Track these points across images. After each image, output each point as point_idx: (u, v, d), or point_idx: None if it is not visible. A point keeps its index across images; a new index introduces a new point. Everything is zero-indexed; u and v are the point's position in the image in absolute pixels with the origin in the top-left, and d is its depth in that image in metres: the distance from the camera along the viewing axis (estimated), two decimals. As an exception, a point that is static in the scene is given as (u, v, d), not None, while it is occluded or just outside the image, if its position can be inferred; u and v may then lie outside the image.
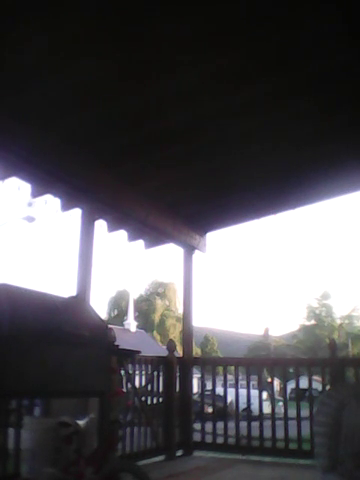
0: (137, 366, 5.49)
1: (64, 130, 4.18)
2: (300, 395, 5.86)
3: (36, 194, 4.39)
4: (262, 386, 6.28)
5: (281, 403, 6.41)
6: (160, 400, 5.89)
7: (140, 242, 5.96)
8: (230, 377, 6.80)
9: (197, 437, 6.23)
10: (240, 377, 6.40)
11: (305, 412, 5.58)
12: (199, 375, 6.62)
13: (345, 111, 4.39)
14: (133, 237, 5.76)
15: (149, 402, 5.73)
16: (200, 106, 4.12)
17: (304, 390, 6.11)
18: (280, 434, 5.73)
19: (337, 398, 3.29)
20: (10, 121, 3.83)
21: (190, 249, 6.56)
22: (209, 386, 6.75)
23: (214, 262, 77.71)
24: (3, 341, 2.72)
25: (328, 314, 48.10)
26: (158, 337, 47.26)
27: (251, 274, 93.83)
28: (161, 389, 5.85)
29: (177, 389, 6.07)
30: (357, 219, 76.95)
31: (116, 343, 3.84)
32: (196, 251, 6.62)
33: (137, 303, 47.28)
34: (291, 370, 6.24)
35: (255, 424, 5.87)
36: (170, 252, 25.78)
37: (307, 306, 48.95)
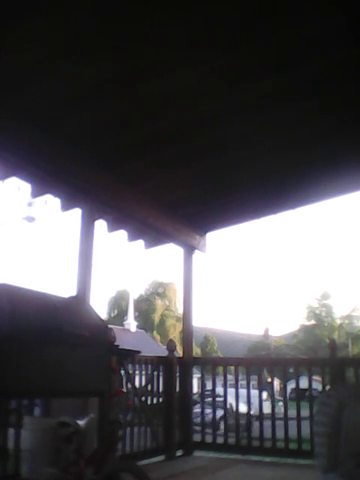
0: (137, 366, 5.49)
1: (64, 130, 4.18)
2: (300, 395, 5.86)
3: (36, 194, 4.39)
4: (262, 386, 6.28)
5: (281, 403, 6.41)
6: (160, 400, 5.89)
7: (140, 242, 5.96)
8: (230, 377, 6.80)
9: (197, 437, 6.24)
10: (240, 377, 6.41)
11: (305, 412, 5.58)
12: (199, 375, 6.63)
13: (345, 111, 4.39)
14: (133, 237, 5.76)
15: (149, 402, 5.73)
16: (199, 106, 4.12)
17: (304, 390, 6.11)
18: (280, 434, 5.73)
19: (337, 398, 3.29)
20: (10, 121, 3.83)
21: (190, 249, 6.56)
22: (209, 386, 6.75)
23: (214, 262, 77.66)
24: (3, 341, 2.72)
25: (328, 314, 48.06)
26: (158, 337, 47.24)
27: (251, 274, 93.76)
28: (161, 389, 5.85)
29: (177, 389, 6.07)
30: (357, 219, 76.88)
31: (116, 343, 3.84)
32: (196, 251, 6.62)
33: (137, 303, 47.24)
34: (291, 370, 6.23)
35: (255, 424, 5.87)
36: (170, 252, 25.74)
37: (307, 306, 48.91)
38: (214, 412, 6.31)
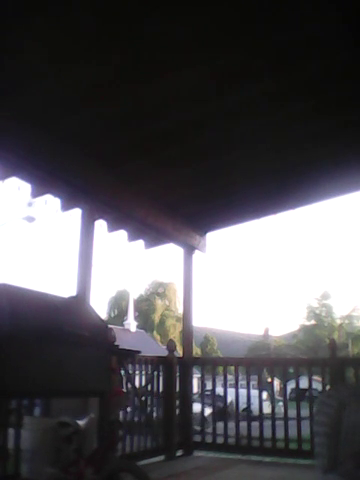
0: (137, 366, 5.49)
1: (64, 130, 4.19)
2: (300, 395, 5.86)
3: (36, 194, 4.39)
4: (262, 386, 6.28)
5: (281, 403, 6.41)
6: (160, 400, 5.89)
7: (140, 242, 5.96)
8: (230, 377, 6.81)
9: (197, 437, 6.24)
10: (240, 377, 6.41)
11: (305, 412, 5.58)
12: (199, 375, 6.63)
13: (345, 111, 4.39)
14: (133, 237, 5.76)
15: (149, 402, 5.73)
16: (200, 106, 4.12)
17: (304, 390, 6.11)
18: (280, 434, 5.73)
19: (337, 398, 3.29)
20: (10, 121, 3.84)
21: (190, 249, 6.56)
22: (209, 386, 6.75)
23: (214, 262, 77.54)
24: (3, 341, 2.72)
25: (328, 314, 48.05)
26: (158, 337, 47.23)
27: (251, 274, 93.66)
28: (161, 389, 5.85)
29: (177, 389, 6.07)
30: (357, 219, 76.82)
31: (116, 343, 3.84)
32: (196, 251, 6.62)
33: (137, 303, 47.22)
34: (291, 370, 6.24)
35: (255, 424, 5.87)
36: (170, 252, 25.71)
37: (307, 306, 48.90)
38: (214, 412, 6.32)
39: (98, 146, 4.51)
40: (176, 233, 6.14)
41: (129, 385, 5.32)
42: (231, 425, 6.03)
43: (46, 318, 3.05)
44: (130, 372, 5.35)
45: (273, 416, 5.87)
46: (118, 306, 50.25)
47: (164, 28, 3.24)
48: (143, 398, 5.63)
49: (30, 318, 2.91)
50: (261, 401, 5.97)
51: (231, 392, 6.21)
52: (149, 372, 5.70)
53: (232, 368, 6.52)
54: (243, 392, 6.00)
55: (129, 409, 5.36)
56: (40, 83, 3.61)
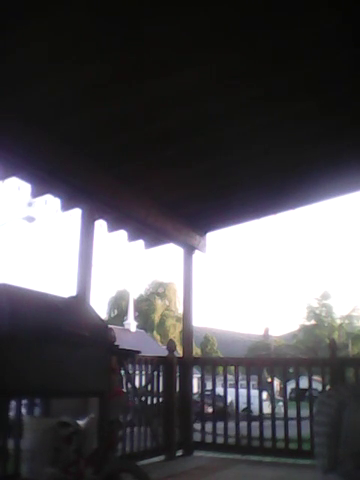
0: (137, 366, 5.49)
1: (64, 130, 4.18)
2: (300, 395, 5.86)
3: (36, 194, 4.39)
4: (262, 386, 6.28)
5: (281, 403, 6.41)
6: (160, 400, 5.89)
7: (140, 242, 5.96)
8: (230, 377, 6.81)
9: (197, 437, 6.23)
10: (240, 377, 6.41)
11: (305, 412, 5.58)
12: (199, 375, 6.63)
13: (345, 111, 4.39)
14: (133, 237, 5.76)
15: (149, 402, 5.73)
16: (200, 106, 4.12)
17: (304, 390, 6.11)
18: (280, 434, 5.73)
19: (337, 398, 3.29)
20: (10, 121, 3.84)
21: (190, 249, 6.56)
22: (209, 386, 6.75)
23: (214, 262, 77.53)
24: (3, 341, 2.72)
25: (328, 314, 48.09)
26: (158, 337, 47.24)
27: (251, 274, 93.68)
28: (161, 389, 5.85)
29: (177, 389, 6.07)
30: (357, 219, 76.86)
31: (116, 343, 3.84)
32: (196, 251, 6.62)
33: (137, 303, 47.23)
34: (291, 370, 6.24)
35: (255, 424, 5.87)
36: (170, 252, 25.70)
37: (307, 306, 48.94)
38: (214, 412, 6.32)
39: (98, 146, 4.51)
40: (176, 233, 6.14)
41: (129, 385, 5.32)
42: (231, 425, 6.03)
43: (46, 318, 3.05)
44: (130, 372, 5.35)
45: (273, 416, 5.87)
46: (118, 306, 50.26)
47: (164, 28, 3.24)
48: (143, 398, 5.63)
49: (30, 318, 2.91)
50: (261, 401, 5.97)
51: (231, 392, 6.21)
52: (149, 372, 5.70)
53: (232, 368, 6.52)
54: (243, 392, 6.00)
55: (129, 409, 5.36)
56: (40, 83, 3.61)
